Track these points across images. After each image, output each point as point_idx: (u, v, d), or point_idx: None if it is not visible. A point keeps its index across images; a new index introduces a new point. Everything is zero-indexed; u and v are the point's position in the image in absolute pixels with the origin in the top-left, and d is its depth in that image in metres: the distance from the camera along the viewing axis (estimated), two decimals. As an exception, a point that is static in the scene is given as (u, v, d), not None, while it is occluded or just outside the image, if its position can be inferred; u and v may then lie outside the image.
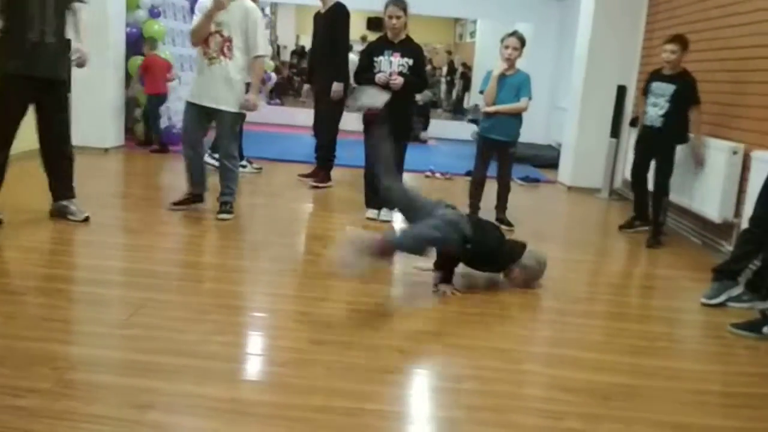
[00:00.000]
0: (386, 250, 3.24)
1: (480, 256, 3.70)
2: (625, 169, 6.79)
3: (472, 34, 15.44)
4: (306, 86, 6.46)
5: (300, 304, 3.32)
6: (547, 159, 8.74)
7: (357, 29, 13.86)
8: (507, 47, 4.94)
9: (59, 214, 4.40)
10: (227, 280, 3.60)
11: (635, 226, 5.33)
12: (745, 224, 3.89)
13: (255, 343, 2.88)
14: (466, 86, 15.05)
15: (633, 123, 6.55)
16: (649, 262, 4.76)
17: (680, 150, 5.04)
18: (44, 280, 3.31)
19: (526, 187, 7.28)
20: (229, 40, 4.53)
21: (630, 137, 6.70)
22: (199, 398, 2.29)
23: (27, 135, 4.42)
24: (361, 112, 4.55)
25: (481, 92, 5.14)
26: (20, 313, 2.88)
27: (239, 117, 4.81)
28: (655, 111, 4.93)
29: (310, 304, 3.29)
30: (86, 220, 4.35)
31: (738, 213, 4.64)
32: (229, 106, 4.61)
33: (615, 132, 6.88)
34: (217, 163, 6.42)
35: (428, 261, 3.69)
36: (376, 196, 5.11)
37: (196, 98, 4.63)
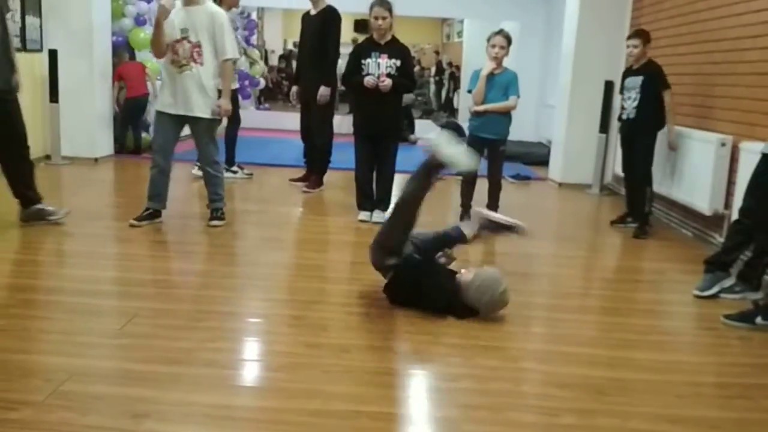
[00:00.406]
0: None
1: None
2: (615, 165, 6.83)
3: (460, 33, 15.46)
4: (294, 88, 6.39)
5: (294, 309, 3.32)
6: (537, 156, 8.76)
7: (345, 32, 13.87)
8: (494, 46, 4.95)
9: (36, 218, 4.40)
10: (220, 286, 3.59)
11: (626, 222, 5.36)
12: (735, 215, 3.90)
13: (250, 349, 2.88)
14: (455, 86, 15.06)
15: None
16: (641, 256, 4.78)
17: (663, 141, 5.13)
18: (36, 292, 3.29)
19: (517, 185, 7.29)
20: (198, 45, 4.43)
21: (618, 132, 6.73)
22: (194, 406, 2.29)
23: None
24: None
25: (470, 92, 5.15)
26: (12, 325, 2.86)
27: (216, 122, 4.70)
28: (629, 103, 5.09)
29: (304, 308, 3.28)
30: (67, 214, 4.41)
31: (728, 204, 4.66)
32: (205, 112, 4.52)
33: (604, 127, 6.91)
34: (240, 174, 6.51)
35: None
36: (368, 198, 5.13)
37: (169, 107, 4.50)
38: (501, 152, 5.15)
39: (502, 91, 5.00)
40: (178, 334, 2.85)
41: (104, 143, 7.31)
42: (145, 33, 7.92)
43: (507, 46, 4.98)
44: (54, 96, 6.73)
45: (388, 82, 4.81)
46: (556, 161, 7.51)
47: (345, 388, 2.47)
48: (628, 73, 5.20)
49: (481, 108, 5.01)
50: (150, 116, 8.08)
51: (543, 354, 2.96)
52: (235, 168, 6.56)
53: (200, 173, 5.65)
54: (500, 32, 5.03)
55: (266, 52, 16.12)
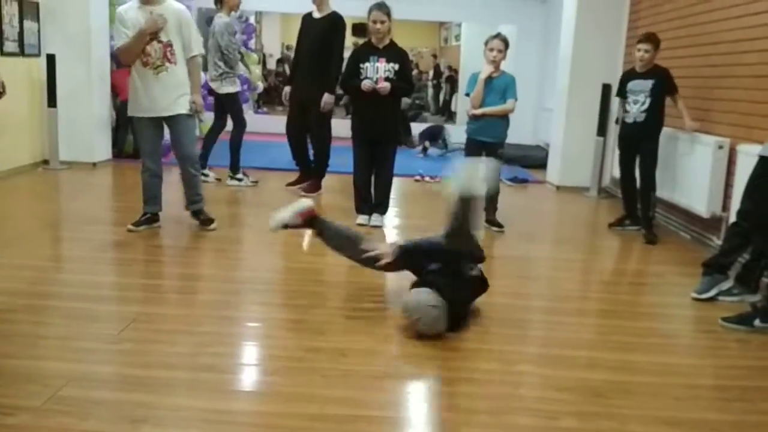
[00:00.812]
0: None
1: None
2: (613, 168, 6.83)
3: (457, 37, 15.49)
4: (287, 88, 6.35)
5: (293, 313, 3.32)
6: (535, 159, 8.77)
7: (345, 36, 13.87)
8: (491, 50, 4.96)
9: None
10: (218, 290, 3.59)
11: (624, 225, 5.37)
12: (733, 218, 3.91)
13: (248, 354, 2.87)
14: (453, 89, 15.08)
15: (619, 121, 6.58)
16: (639, 259, 4.78)
17: (665, 145, 5.13)
18: (34, 297, 3.29)
19: (515, 188, 7.30)
20: (170, 44, 4.37)
21: (616, 135, 6.73)
22: (193, 411, 2.29)
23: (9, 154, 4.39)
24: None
25: (467, 95, 5.16)
26: (10, 331, 2.86)
27: (194, 119, 4.66)
28: (637, 107, 5.05)
29: (302, 312, 3.28)
30: None
31: (726, 207, 4.67)
32: (184, 109, 4.48)
33: (601, 130, 6.92)
34: (211, 177, 6.46)
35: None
36: (366, 202, 5.13)
37: (148, 112, 4.44)
38: (499, 155, 5.15)
39: (500, 94, 5.01)
40: (176, 339, 2.85)
41: (102, 148, 7.31)
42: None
43: (504, 49, 5.00)
44: (52, 100, 6.73)
45: (386, 85, 4.82)
46: (554, 164, 7.51)
47: (343, 392, 2.46)
48: (632, 76, 5.15)
49: (479, 111, 5.02)
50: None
51: (541, 357, 2.96)
52: (240, 175, 6.50)
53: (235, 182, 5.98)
54: (498, 36, 5.04)
55: (264, 56, 16.13)
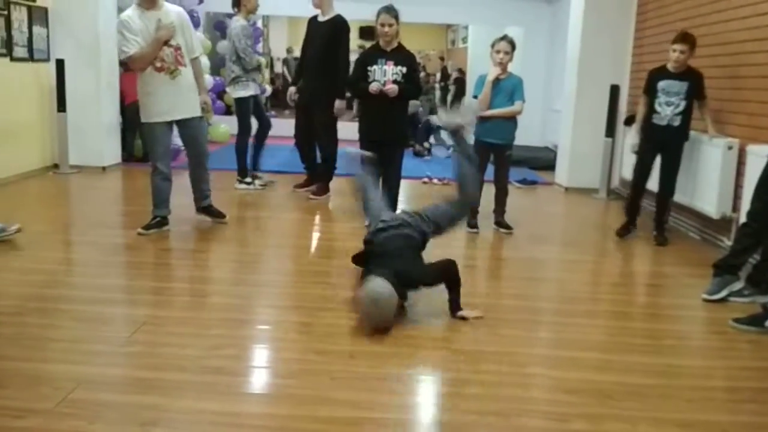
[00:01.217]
0: None
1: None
2: (622, 169, 6.81)
3: (464, 39, 15.50)
4: (292, 89, 6.34)
5: (302, 315, 3.32)
6: (543, 161, 8.75)
7: (351, 39, 13.88)
8: (498, 52, 4.96)
9: None
10: (228, 293, 3.60)
11: (632, 232, 5.19)
12: (743, 219, 3.89)
13: (258, 356, 2.88)
14: (461, 91, 15.07)
15: (628, 122, 6.55)
16: (649, 260, 4.76)
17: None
18: (45, 301, 3.31)
19: (524, 190, 7.28)
20: (179, 48, 4.46)
21: (624, 136, 6.71)
22: (203, 414, 2.29)
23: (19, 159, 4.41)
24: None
25: (475, 97, 5.15)
26: (21, 334, 2.88)
27: (204, 118, 4.79)
28: (671, 110, 4.85)
29: (312, 315, 3.28)
30: (19, 230, 4.27)
31: (736, 208, 4.64)
32: (198, 111, 4.62)
33: (610, 132, 6.89)
34: (260, 185, 6.51)
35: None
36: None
37: (166, 115, 4.50)
38: (507, 157, 5.15)
39: (508, 96, 5.00)
40: (186, 342, 2.86)
41: (112, 152, 7.35)
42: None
43: (511, 51, 4.99)
44: (62, 105, 6.78)
45: (393, 87, 4.82)
46: (563, 166, 7.49)
47: (353, 395, 2.46)
48: (664, 75, 4.90)
49: (488, 113, 5.01)
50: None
51: (551, 359, 2.95)
52: (248, 179, 6.50)
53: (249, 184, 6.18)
54: (504, 38, 5.03)
55: (272, 59, 16.18)
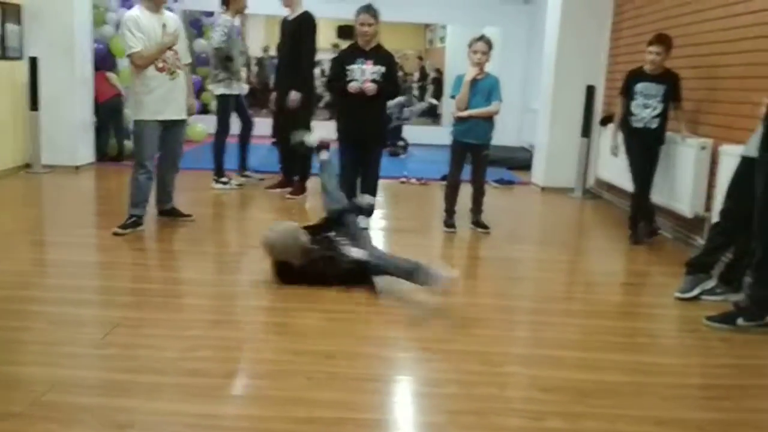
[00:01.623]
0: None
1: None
2: (598, 168, 6.88)
3: (442, 39, 15.51)
4: (274, 94, 6.35)
5: (278, 316, 3.31)
6: (520, 161, 8.79)
7: (327, 37, 13.77)
8: (476, 52, 4.97)
9: None
10: (204, 294, 3.57)
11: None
12: (716, 218, 3.94)
13: (234, 357, 2.85)
14: (438, 91, 15.10)
15: (603, 122, 6.62)
16: (624, 259, 4.81)
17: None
18: (17, 302, 3.25)
19: (501, 189, 7.32)
20: (176, 51, 4.63)
21: (600, 137, 6.78)
22: (179, 416, 2.27)
23: None
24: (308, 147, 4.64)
25: (453, 97, 5.17)
26: (-7, 336, 2.83)
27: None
28: (649, 112, 4.88)
29: (288, 315, 3.27)
30: None
31: (708, 207, 4.71)
32: (185, 113, 4.82)
33: (586, 132, 6.95)
34: (251, 178, 6.58)
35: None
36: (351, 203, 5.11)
37: (160, 114, 4.56)
38: (484, 157, 5.17)
39: (485, 96, 5.02)
40: (161, 344, 2.83)
41: (85, 151, 7.25)
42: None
43: (488, 51, 5.01)
44: (34, 104, 6.67)
45: (372, 86, 4.81)
46: (539, 165, 7.54)
47: (330, 395, 2.46)
48: (642, 77, 4.93)
49: (465, 113, 5.03)
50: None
51: (527, 358, 2.97)
52: (224, 179, 6.47)
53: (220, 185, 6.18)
54: (481, 38, 5.05)
55: (249, 58, 16.06)
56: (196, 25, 10.92)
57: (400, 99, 10.20)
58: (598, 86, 7.01)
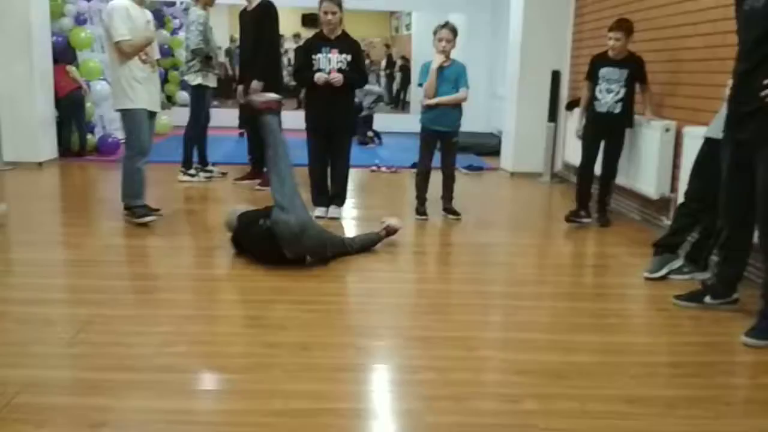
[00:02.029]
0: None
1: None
2: (565, 153, 6.95)
3: (408, 26, 15.49)
4: (240, 87, 6.29)
5: (251, 308, 3.29)
6: (488, 147, 8.85)
7: (291, 26, 13.65)
8: (441, 40, 4.97)
9: None
10: (174, 289, 3.53)
11: (581, 217, 5.18)
12: (681, 199, 4.01)
13: (209, 352, 2.82)
14: (406, 79, 15.08)
15: (569, 107, 6.68)
16: (593, 242, 4.87)
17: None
18: (-18, 303, 3.18)
19: (471, 176, 7.36)
20: (152, 46, 4.75)
21: (567, 121, 6.84)
22: (153, 413, 2.25)
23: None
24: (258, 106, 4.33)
25: (420, 85, 5.17)
26: (-41, 339, 2.77)
27: None
28: (612, 96, 4.94)
29: (261, 308, 3.25)
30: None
31: (674, 188, 4.79)
32: (160, 107, 4.92)
33: (552, 116, 7.02)
34: (213, 172, 6.55)
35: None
36: (323, 194, 5.10)
37: (149, 105, 4.65)
38: (454, 144, 5.19)
39: (453, 83, 5.03)
40: (133, 340, 2.79)
41: (48, 147, 7.10)
42: (86, 32, 7.74)
43: (453, 38, 5.01)
44: (-7, 99, 6.51)
45: (338, 77, 4.79)
46: (507, 151, 7.60)
47: (306, 386, 2.45)
48: (605, 62, 4.99)
49: (434, 101, 5.03)
50: (103, 120, 7.90)
51: (502, 342, 3.00)
52: (192, 171, 6.41)
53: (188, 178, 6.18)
54: (446, 25, 5.05)
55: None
56: (158, 15, 10.71)
57: (377, 90, 10.25)
58: (564, 71, 7.07)
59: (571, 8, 7.06)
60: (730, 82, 3.15)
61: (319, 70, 4.82)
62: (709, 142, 3.61)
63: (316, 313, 3.20)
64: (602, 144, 5.12)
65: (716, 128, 3.46)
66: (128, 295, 3.42)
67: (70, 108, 7.42)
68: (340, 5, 4.86)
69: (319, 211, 5.03)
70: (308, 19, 11.93)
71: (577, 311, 3.37)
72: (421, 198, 5.21)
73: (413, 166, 6.43)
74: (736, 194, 3.15)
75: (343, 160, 5.09)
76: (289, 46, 12.56)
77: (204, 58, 6.14)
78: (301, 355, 2.71)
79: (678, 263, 3.86)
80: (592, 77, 5.07)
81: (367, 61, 14.09)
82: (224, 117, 10.04)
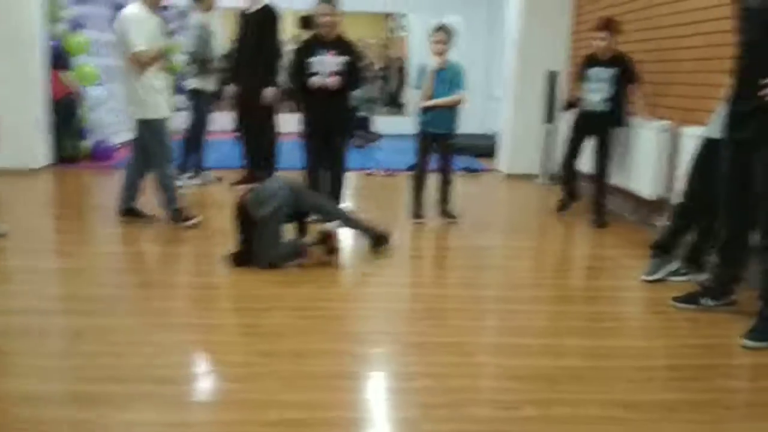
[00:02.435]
0: None
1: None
2: (561, 154, 6.91)
3: (404, 28, 15.47)
4: (230, 87, 6.25)
5: (246, 316, 3.26)
6: (484, 148, 8.81)
7: (289, 28, 13.64)
8: (436, 42, 4.95)
9: None
10: (169, 297, 3.51)
11: (569, 206, 5.44)
12: (677, 200, 3.99)
13: (203, 362, 2.81)
14: (402, 80, 15.06)
15: (566, 107, 6.66)
16: (589, 243, 4.86)
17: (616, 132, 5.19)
18: (-25, 314, 3.16)
19: (467, 177, 7.33)
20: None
21: (563, 122, 6.81)
22: (148, 426, 2.23)
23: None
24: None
25: (416, 87, 5.15)
26: (-49, 351, 2.74)
27: None
28: (598, 96, 5.01)
29: (256, 315, 3.23)
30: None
31: (671, 189, 4.77)
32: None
33: (549, 117, 6.99)
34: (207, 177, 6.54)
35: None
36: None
37: (166, 112, 4.70)
38: (451, 146, 5.17)
39: (449, 85, 5.01)
40: (127, 351, 2.76)
41: (42, 152, 7.06)
42: (82, 37, 7.70)
43: (449, 40, 4.99)
44: (-14, 105, 6.46)
45: (335, 80, 4.77)
46: (503, 152, 7.58)
47: (302, 395, 2.43)
48: (594, 62, 5.07)
49: (431, 103, 5.01)
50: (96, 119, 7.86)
51: (498, 347, 2.98)
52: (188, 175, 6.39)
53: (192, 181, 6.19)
54: (441, 27, 5.03)
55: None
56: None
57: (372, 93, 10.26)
58: (561, 72, 7.04)
59: (569, 8, 7.04)
60: (728, 81, 3.13)
61: (315, 73, 4.80)
62: (707, 142, 3.59)
63: (311, 319, 3.17)
64: (589, 143, 5.20)
65: (714, 128, 3.44)
66: (121, 304, 3.39)
67: (63, 113, 7.38)
68: (336, 7, 4.84)
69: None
70: (305, 22, 11.90)
71: (573, 315, 3.35)
72: (418, 201, 5.19)
73: (409, 168, 6.41)
74: (735, 195, 3.14)
75: (339, 164, 5.06)
76: (289, 48, 12.55)
77: (201, 62, 6.11)
78: (296, 363, 2.69)
79: (675, 265, 3.84)
80: (582, 77, 5.17)
81: (363, 63, 14.08)
82: (218, 120, 10.03)
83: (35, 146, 6.92)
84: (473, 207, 5.80)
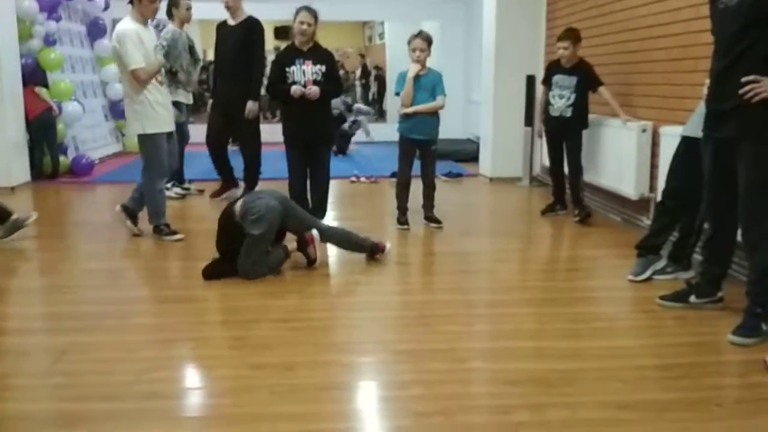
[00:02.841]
0: None
1: None
2: (543, 157, 6.95)
3: (381, 36, 15.50)
4: (211, 100, 6.22)
5: (234, 329, 3.22)
6: (467, 153, 8.85)
7: (267, 40, 13.60)
8: (414, 50, 4.96)
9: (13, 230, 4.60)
10: (154, 312, 3.46)
11: (556, 210, 5.59)
12: (660, 199, 4.02)
13: (191, 376, 2.77)
14: (382, 88, 15.08)
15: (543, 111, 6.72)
16: (575, 245, 4.87)
17: (591, 131, 5.40)
18: (-45, 336, 3.09)
19: (450, 183, 7.34)
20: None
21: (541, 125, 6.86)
22: (136, 443, 2.18)
23: None
24: None
25: (397, 94, 5.15)
26: (-69, 375, 2.67)
27: None
28: (563, 102, 5.25)
29: (244, 328, 3.19)
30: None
31: (653, 188, 4.80)
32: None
33: (529, 121, 7.03)
34: (190, 190, 6.55)
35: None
36: (303, 207, 5.04)
37: (167, 126, 4.70)
38: (433, 152, 5.17)
39: (429, 91, 5.02)
40: (113, 368, 2.71)
41: (20, 170, 6.96)
42: (56, 53, 7.63)
43: (428, 47, 5.00)
44: (-39, 124, 6.37)
45: (315, 89, 4.76)
46: (486, 157, 7.60)
47: (293, 407, 2.40)
48: (558, 69, 5.33)
49: (411, 110, 5.01)
50: (76, 141, 7.78)
51: (489, 352, 2.97)
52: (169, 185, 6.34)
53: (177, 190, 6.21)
54: (419, 34, 5.04)
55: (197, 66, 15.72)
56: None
57: (366, 109, 10.33)
58: (538, 75, 7.06)
59: (543, 12, 7.09)
60: (707, 81, 3.16)
61: (294, 82, 4.78)
62: (685, 140, 3.61)
63: (299, 330, 3.14)
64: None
65: (693, 127, 3.47)
66: (106, 320, 3.32)
67: (41, 130, 7.29)
68: (316, 17, 4.85)
69: None
70: (280, 32, 11.89)
71: (562, 317, 3.34)
72: (402, 207, 5.17)
73: (393, 175, 6.41)
74: (718, 193, 3.15)
75: (323, 172, 5.04)
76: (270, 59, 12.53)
77: (168, 73, 6.02)
78: (286, 375, 2.65)
79: (661, 264, 3.86)
80: (548, 83, 5.42)
81: (341, 72, 14.09)
82: (198, 133, 9.97)
83: (14, 164, 6.82)
84: (458, 212, 5.80)
